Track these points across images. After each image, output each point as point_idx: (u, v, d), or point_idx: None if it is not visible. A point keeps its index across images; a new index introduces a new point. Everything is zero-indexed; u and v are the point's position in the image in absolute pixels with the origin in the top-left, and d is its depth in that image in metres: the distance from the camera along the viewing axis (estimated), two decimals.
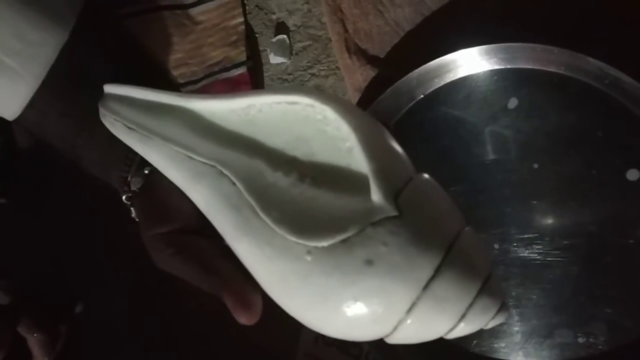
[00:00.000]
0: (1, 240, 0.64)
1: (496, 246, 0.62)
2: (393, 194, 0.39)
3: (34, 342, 0.59)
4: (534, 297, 0.61)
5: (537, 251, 0.61)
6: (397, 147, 0.43)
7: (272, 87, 0.70)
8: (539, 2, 0.61)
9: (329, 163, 0.43)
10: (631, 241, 0.58)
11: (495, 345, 0.62)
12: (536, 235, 0.61)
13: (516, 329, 0.61)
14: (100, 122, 0.47)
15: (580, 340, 0.60)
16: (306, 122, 0.43)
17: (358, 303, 0.38)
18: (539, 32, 0.59)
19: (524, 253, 0.61)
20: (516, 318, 0.61)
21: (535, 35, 0.59)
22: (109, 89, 0.48)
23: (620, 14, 0.60)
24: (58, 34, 0.48)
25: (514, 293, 0.61)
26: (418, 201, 0.40)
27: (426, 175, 0.42)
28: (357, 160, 0.41)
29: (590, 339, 0.59)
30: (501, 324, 0.59)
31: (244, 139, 0.45)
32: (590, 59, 0.57)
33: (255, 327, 0.45)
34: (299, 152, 0.44)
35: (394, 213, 0.38)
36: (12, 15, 0.46)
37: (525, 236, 0.61)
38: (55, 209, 0.68)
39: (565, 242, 0.60)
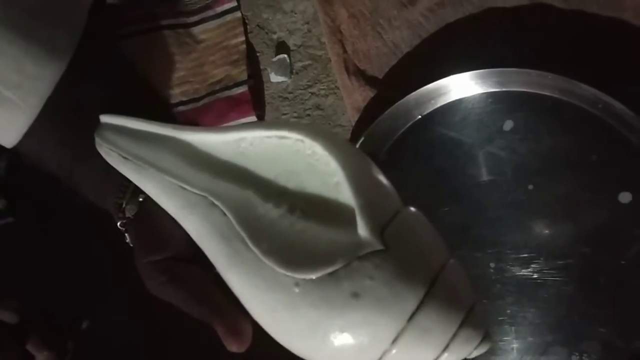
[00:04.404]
0: (9, 258, 0.65)
1: (492, 265, 0.62)
2: (379, 228, 0.40)
3: (42, 359, 0.61)
4: (529, 315, 0.62)
5: (532, 270, 0.61)
6: (385, 182, 0.44)
7: (263, 122, 0.71)
8: (535, 28, 0.62)
9: (318, 196, 0.44)
10: (623, 262, 0.59)
11: None
12: (531, 255, 0.62)
13: (512, 346, 0.62)
14: (97, 150, 0.48)
15: (574, 358, 0.60)
16: (296, 156, 0.44)
17: (345, 334, 0.39)
18: (534, 57, 0.60)
19: (520, 272, 0.62)
20: (512, 335, 0.62)
21: (531, 60, 0.59)
22: (105, 119, 0.49)
23: (612, 43, 0.60)
24: (56, 66, 0.49)
25: (509, 311, 0.62)
26: (403, 235, 0.41)
27: (412, 209, 0.43)
28: (345, 195, 0.42)
29: (584, 358, 0.60)
30: (497, 341, 0.61)
31: (236, 170, 0.46)
32: (584, 85, 0.58)
33: (257, 341, 0.46)
34: (290, 184, 0.45)
35: (379, 247, 0.39)
36: (12, 50, 0.47)
37: (521, 256, 0.62)
38: (62, 227, 0.69)
39: (560, 262, 0.61)
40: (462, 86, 0.63)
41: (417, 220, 0.43)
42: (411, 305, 0.39)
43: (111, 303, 0.69)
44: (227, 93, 0.72)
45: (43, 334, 0.61)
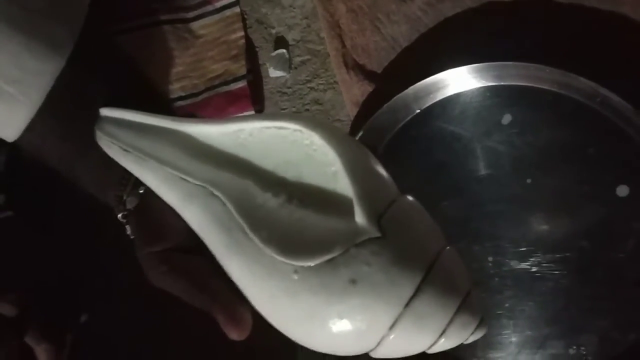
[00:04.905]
0: (8, 252, 0.65)
1: (490, 259, 0.63)
2: (376, 216, 0.40)
3: (40, 352, 0.61)
4: (527, 308, 0.62)
5: (530, 264, 0.62)
6: (382, 171, 0.44)
7: (261, 113, 0.72)
8: (533, 21, 0.63)
9: (316, 185, 0.44)
10: (621, 255, 0.59)
11: (490, 355, 0.63)
12: (529, 248, 0.62)
13: (510, 339, 0.63)
14: (97, 143, 0.49)
15: (571, 351, 0.61)
16: (295, 146, 0.44)
17: (343, 320, 0.40)
18: (532, 51, 0.60)
19: (518, 266, 0.62)
20: (510, 329, 0.63)
21: (529, 53, 0.60)
22: (105, 112, 0.49)
23: (611, 37, 0.61)
24: (56, 61, 0.49)
25: (507, 304, 0.63)
26: (400, 223, 0.41)
27: (409, 197, 0.44)
28: (342, 183, 0.42)
29: (581, 350, 0.61)
30: (496, 335, 0.61)
31: (235, 160, 0.46)
32: (582, 79, 0.58)
33: (257, 331, 0.47)
34: (288, 174, 0.45)
35: (376, 234, 0.40)
36: (13, 45, 0.47)
37: (519, 249, 0.62)
38: (61, 222, 0.69)
39: (557, 255, 0.61)
40: (460, 80, 0.63)
41: (414, 208, 0.44)
42: (408, 291, 0.40)
43: (110, 297, 0.69)
44: (226, 88, 0.73)
45: (41, 327, 0.61)
